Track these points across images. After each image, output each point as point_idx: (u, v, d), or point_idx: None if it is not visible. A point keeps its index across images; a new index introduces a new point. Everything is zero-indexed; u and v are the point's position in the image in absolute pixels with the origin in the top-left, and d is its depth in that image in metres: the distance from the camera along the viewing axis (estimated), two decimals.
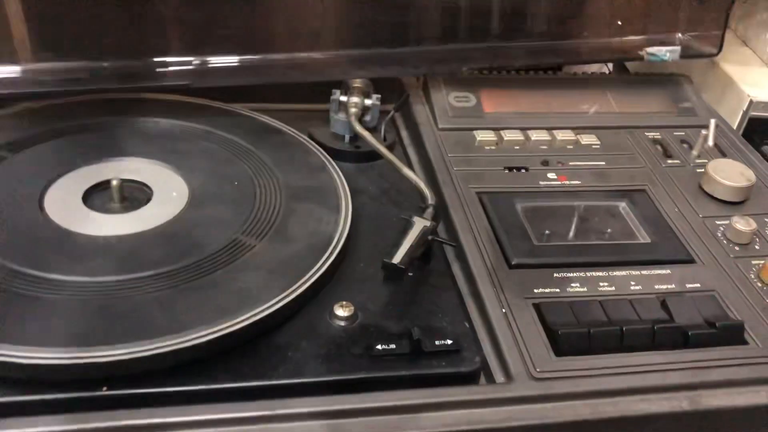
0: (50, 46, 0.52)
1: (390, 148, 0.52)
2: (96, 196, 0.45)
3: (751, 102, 0.65)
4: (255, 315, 0.36)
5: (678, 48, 0.57)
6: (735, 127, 0.66)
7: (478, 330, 0.39)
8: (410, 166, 0.52)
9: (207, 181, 0.46)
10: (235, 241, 0.41)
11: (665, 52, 0.56)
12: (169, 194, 0.45)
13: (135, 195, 0.45)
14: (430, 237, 0.40)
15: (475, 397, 0.35)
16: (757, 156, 0.56)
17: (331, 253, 0.41)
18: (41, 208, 0.43)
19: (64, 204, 0.43)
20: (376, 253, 0.42)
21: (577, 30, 0.58)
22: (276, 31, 0.57)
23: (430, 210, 0.41)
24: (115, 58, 0.52)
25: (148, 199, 0.45)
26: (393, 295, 0.40)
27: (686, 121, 0.58)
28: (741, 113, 0.66)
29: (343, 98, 0.53)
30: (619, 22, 0.59)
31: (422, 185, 0.44)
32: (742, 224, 0.46)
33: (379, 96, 0.53)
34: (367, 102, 0.53)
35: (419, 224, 0.39)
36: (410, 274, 0.41)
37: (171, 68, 0.54)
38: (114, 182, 0.44)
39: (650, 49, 0.56)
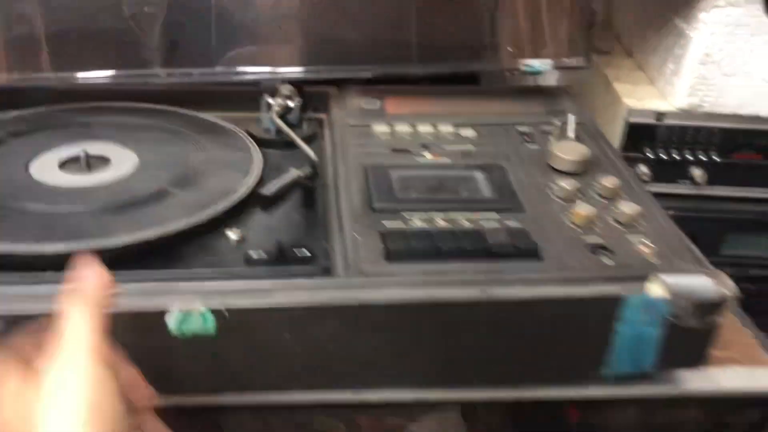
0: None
1: (310, 138, 0.67)
2: (70, 165, 0.60)
3: (628, 110, 0.78)
4: (163, 232, 0.50)
5: (549, 60, 0.70)
6: (621, 133, 0.79)
7: (336, 249, 0.52)
8: (323, 151, 0.66)
9: (153, 157, 0.61)
10: (162, 189, 0.55)
11: (539, 64, 0.70)
12: (123, 164, 0.60)
13: (98, 164, 0.60)
14: (297, 178, 0.53)
15: (315, 282, 0.47)
16: (612, 148, 0.67)
17: (230, 198, 0.54)
18: (27, 170, 0.58)
19: (44, 168, 0.59)
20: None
21: (468, 51, 0.72)
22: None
23: (307, 166, 0.55)
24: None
25: (107, 167, 0.60)
26: (276, 228, 0.53)
27: (555, 120, 0.71)
28: (623, 121, 0.79)
29: (270, 100, 0.68)
30: (509, 48, 0.73)
31: (308, 150, 0.58)
32: (567, 184, 0.58)
33: (300, 99, 0.68)
34: (290, 104, 0.68)
35: (293, 173, 0.53)
36: (296, 216, 0.54)
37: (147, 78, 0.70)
38: (81, 154, 0.59)
39: (527, 61, 0.70)
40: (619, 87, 0.82)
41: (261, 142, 0.65)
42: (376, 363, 0.49)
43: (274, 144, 0.66)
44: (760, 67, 0.73)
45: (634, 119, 0.78)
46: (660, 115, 0.77)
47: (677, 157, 0.79)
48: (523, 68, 0.70)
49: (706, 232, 0.84)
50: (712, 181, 0.80)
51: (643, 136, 0.79)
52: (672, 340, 0.50)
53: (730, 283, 0.50)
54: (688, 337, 0.50)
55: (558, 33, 0.69)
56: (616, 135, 0.80)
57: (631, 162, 0.80)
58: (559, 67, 0.71)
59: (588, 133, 0.68)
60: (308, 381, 0.49)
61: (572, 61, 0.70)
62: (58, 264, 0.45)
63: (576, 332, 0.50)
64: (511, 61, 0.70)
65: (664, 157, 0.79)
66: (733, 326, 0.62)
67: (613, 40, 0.98)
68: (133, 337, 0.43)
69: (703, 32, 0.72)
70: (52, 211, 0.52)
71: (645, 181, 0.80)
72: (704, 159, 0.79)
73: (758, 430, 0.57)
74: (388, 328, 0.48)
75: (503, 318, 0.49)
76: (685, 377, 0.55)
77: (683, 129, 0.78)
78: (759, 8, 0.70)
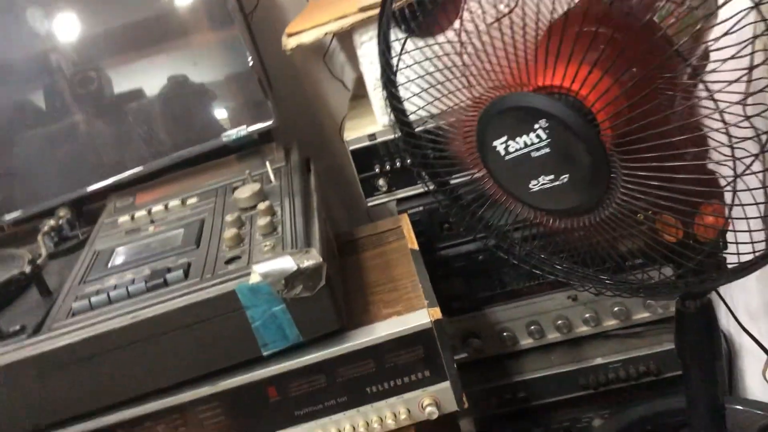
0: None
1: (83, 242, 0.85)
2: None
3: (347, 141, 0.94)
4: None
5: (244, 126, 0.87)
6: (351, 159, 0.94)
7: (47, 319, 0.68)
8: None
9: None
10: None
11: (237, 132, 0.87)
12: None
13: None
14: (11, 276, 0.71)
15: (16, 345, 0.64)
16: (302, 178, 0.83)
17: None
18: None
19: None
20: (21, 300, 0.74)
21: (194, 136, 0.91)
22: None
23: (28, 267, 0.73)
24: None
25: None
26: (15, 315, 0.71)
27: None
28: (348, 151, 0.94)
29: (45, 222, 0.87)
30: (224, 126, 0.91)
31: (42, 250, 0.76)
32: (230, 217, 0.74)
33: (69, 216, 0.88)
34: (60, 222, 0.87)
35: (7, 274, 0.71)
36: (32, 305, 0.72)
37: None
38: None
39: (225, 133, 0.87)
40: (349, 124, 0.98)
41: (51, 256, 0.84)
42: (82, 395, 0.65)
43: (58, 254, 0.85)
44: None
45: (354, 146, 0.93)
46: (371, 136, 0.93)
47: (400, 165, 0.93)
48: (226, 139, 0.87)
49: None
50: None
51: (366, 156, 0.93)
52: (299, 310, 0.65)
53: (316, 255, 0.64)
54: (310, 303, 0.64)
55: (247, 105, 0.87)
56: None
57: (369, 180, 0.95)
58: (254, 131, 0.88)
59: (286, 172, 0.85)
60: (31, 424, 0.65)
61: (265, 122, 0.88)
62: None
63: (224, 327, 0.65)
64: (220, 135, 0.88)
65: (391, 167, 0.94)
66: (412, 287, 0.75)
67: None
68: None
69: (365, 64, 0.89)
70: None
71: (386, 192, 0.95)
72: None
73: (429, 362, 0.69)
74: (78, 365, 0.64)
75: (160, 331, 0.64)
76: (352, 336, 0.68)
77: (394, 141, 0.93)
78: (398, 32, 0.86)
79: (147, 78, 0.88)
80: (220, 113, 0.89)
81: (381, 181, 0.95)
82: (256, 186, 0.78)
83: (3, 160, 0.93)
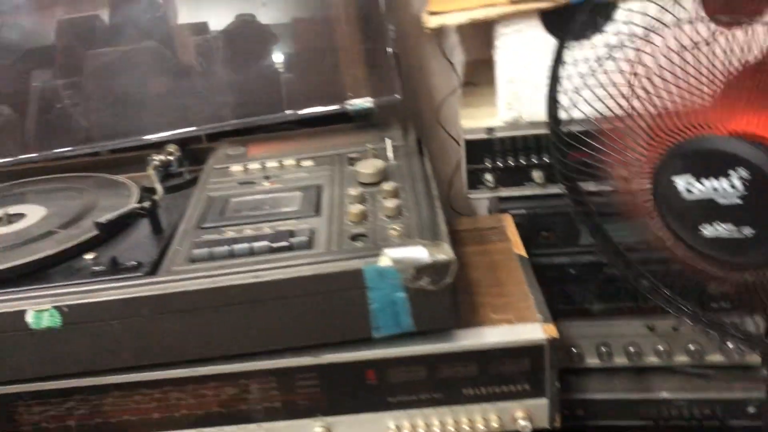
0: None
1: (190, 182, 0.85)
2: None
3: (464, 129, 0.92)
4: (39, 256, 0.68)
5: (369, 99, 0.86)
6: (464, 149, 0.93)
7: (164, 259, 0.68)
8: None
9: (57, 210, 0.80)
10: (50, 230, 0.74)
11: (361, 102, 0.86)
12: (34, 217, 0.79)
13: (16, 219, 0.79)
14: (132, 209, 0.71)
15: (131, 282, 0.64)
16: (420, 163, 0.82)
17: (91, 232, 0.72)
18: None
19: None
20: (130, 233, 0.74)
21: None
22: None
23: (147, 201, 0.72)
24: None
25: (21, 220, 0.79)
26: (126, 248, 0.71)
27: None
28: (462, 139, 0.92)
29: (154, 156, 0.86)
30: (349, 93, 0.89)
31: (157, 186, 0.75)
32: (354, 191, 0.73)
33: (179, 154, 0.87)
34: (170, 158, 0.86)
35: (130, 206, 0.71)
36: (144, 240, 0.72)
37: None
38: (2, 214, 0.79)
39: (349, 101, 0.86)
40: (464, 112, 0.96)
41: (151, 190, 0.84)
42: (187, 343, 0.65)
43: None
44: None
45: (469, 136, 0.91)
46: (489, 130, 0.91)
47: (514, 164, 0.92)
48: (349, 107, 0.86)
49: (560, 226, 0.95)
50: (550, 180, 0.92)
51: (480, 149, 0.92)
52: (420, 302, 0.64)
53: (449, 250, 0.62)
54: (431, 297, 0.63)
55: (374, 76, 0.85)
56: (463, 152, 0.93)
57: (477, 173, 0.93)
58: (377, 104, 0.86)
59: (405, 152, 0.83)
60: (135, 362, 0.65)
61: (390, 97, 0.86)
62: None
63: (341, 303, 0.64)
64: (342, 102, 0.87)
65: (502, 165, 0.92)
66: (521, 295, 0.74)
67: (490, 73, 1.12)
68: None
69: (502, 57, 0.86)
70: None
71: (491, 188, 0.93)
72: (538, 162, 0.91)
73: (533, 377, 0.68)
74: (189, 314, 0.64)
75: (278, 295, 0.63)
76: (460, 335, 0.68)
77: (512, 139, 0.91)
78: (542, 31, 0.84)
79: (283, 33, 0.87)
80: (346, 79, 0.88)
81: (489, 176, 0.93)
82: (379, 163, 0.77)
83: (113, 86, 0.92)
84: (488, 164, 0.92)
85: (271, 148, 0.89)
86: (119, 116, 0.92)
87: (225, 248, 0.66)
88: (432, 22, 0.84)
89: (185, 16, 0.92)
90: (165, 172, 0.86)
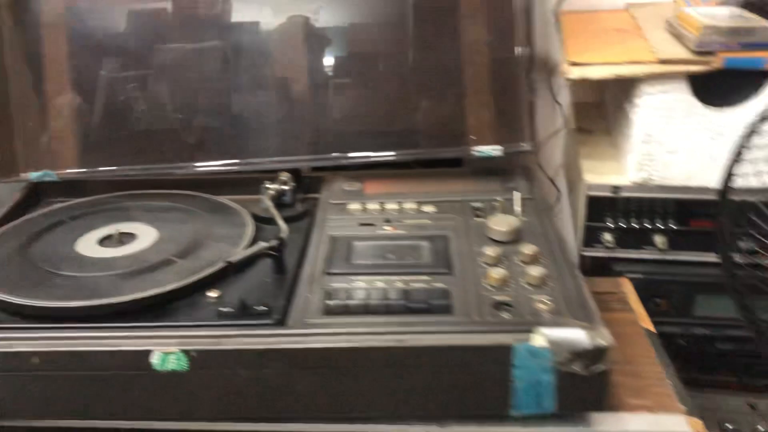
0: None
1: (301, 215, 0.81)
2: (106, 241, 0.77)
3: (588, 185, 0.88)
4: (163, 289, 0.65)
5: (499, 146, 0.82)
6: (584, 205, 0.88)
7: (292, 306, 0.65)
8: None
9: (169, 233, 0.77)
10: (168, 259, 0.71)
11: (490, 150, 0.81)
12: (146, 239, 0.76)
13: (127, 240, 0.77)
14: (263, 249, 0.67)
15: (264, 331, 0.60)
16: (551, 221, 0.77)
17: (215, 266, 0.69)
18: (73, 245, 0.76)
19: (87, 244, 0.76)
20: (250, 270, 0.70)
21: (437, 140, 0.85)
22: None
23: (276, 239, 0.69)
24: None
25: (133, 242, 0.76)
26: (249, 288, 0.67)
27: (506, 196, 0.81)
28: (584, 194, 0.88)
29: (268, 184, 0.83)
30: (472, 136, 0.85)
31: (282, 225, 0.72)
32: (492, 251, 0.69)
33: (294, 184, 0.83)
34: (284, 187, 0.83)
35: (260, 244, 0.67)
36: (267, 280, 0.68)
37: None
38: (114, 232, 0.76)
39: (477, 148, 0.82)
40: (586, 164, 0.92)
41: (261, 219, 0.80)
42: (315, 400, 0.61)
43: (270, 221, 0.81)
44: (701, 145, 0.81)
45: (592, 192, 0.87)
46: (616, 188, 0.86)
47: (636, 226, 0.87)
48: (476, 154, 0.82)
49: (676, 295, 0.91)
50: (673, 246, 0.88)
51: (602, 207, 0.88)
52: (566, 385, 0.59)
53: (608, 336, 0.58)
54: (580, 382, 0.59)
55: (506, 122, 0.81)
56: (582, 207, 0.89)
57: (595, 231, 0.89)
58: (507, 152, 0.82)
59: (534, 208, 0.79)
60: (259, 413, 0.62)
61: (520, 146, 0.82)
62: (80, 315, 0.62)
63: (481, 377, 0.60)
64: (468, 148, 0.83)
65: (624, 225, 0.87)
66: (656, 377, 0.69)
67: (602, 120, 1.08)
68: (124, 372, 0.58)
69: (641, 115, 0.82)
70: (82, 276, 0.69)
71: (609, 248, 0.89)
72: (662, 227, 0.87)
73: None
74: (322, 371, 0.60)
75: (417, 362, 0.60)
76: (596, 419, 0.63)
77: (639, 200, 0.86)
78: (688, 94, 0.79)
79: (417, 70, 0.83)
80: (470, 119, 0.84)
81: (608, 235, 0.89)
82: (513, 220, 0.73)
83: (228, 106, 0.89)
84: (609, 223, 0.88)
85: (388, 186, 0.85)
86: (233, 136, 0.89)
87: (360, 303, 0.62)
88: (574, 73, 0.80)
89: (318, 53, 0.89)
90: (278, 201, 0.82)
